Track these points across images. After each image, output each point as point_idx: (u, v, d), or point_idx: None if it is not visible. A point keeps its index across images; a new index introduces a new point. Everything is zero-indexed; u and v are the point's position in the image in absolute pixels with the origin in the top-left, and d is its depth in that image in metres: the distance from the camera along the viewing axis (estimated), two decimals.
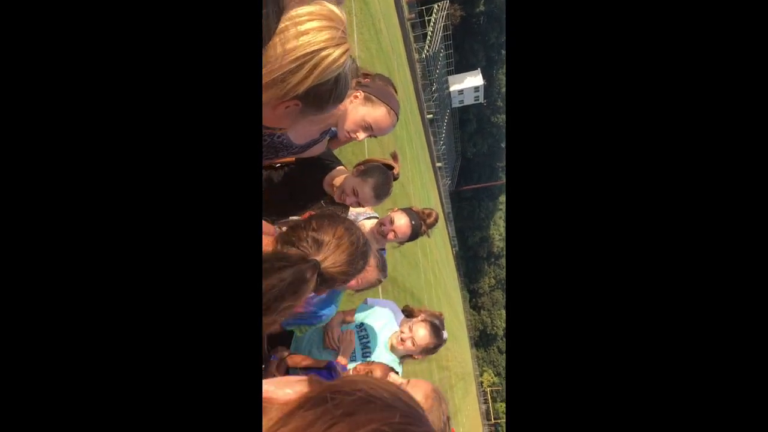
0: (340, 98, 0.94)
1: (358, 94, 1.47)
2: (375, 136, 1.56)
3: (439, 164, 40.06)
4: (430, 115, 35.44)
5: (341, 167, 1.93)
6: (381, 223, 2.00)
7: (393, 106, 1.50)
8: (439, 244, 25.62)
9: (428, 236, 2.12)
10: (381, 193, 1.77)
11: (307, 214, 1.14)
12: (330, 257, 0.99)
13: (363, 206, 1.83)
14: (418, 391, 1.11)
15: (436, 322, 2.42)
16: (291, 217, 2.04)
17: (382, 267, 1.91)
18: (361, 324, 2.16)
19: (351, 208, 2.02)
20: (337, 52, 0.84)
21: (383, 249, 2.14)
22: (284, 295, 0.84)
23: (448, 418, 1.12)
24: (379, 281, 1.96)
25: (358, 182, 1.74)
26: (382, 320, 2.20)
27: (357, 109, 1.46)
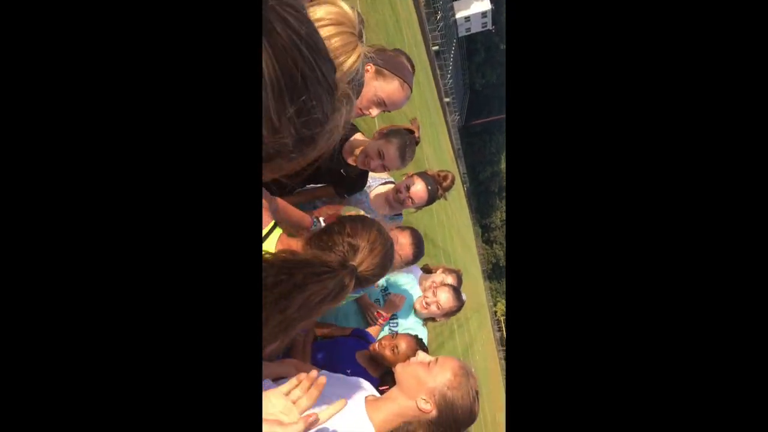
0: (356, 94, 0.90)
1: (368, 67, 1.40)
2: (389, 111, 1.51)
3: (447, 99, 38.78)
4: (436, 47, 33.73)
5: (359, 134, 1.89)
6: (397, 190, 1.99)
7: (406, 78, 1.43)
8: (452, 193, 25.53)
9: (445, 199, 2.11)
10: (406, 154, 1.74)
11: (335, 216, 1.14)
12: (365, 261, 1.02)
13: (388, 169, 1.80)
14: (447, 369, 1.16)
15: (456, 283, 2.49)
16: (308, 186, 2.03)
17: (418, 244, 1.92)
18: (386, 288, 2.22)
19: (370, 174, 2.00)
20: (351, 59, 0.80)
21: (399, 214, 2.14)
22: (325, 300, 0.88)
23: (477, 392, 1.18)
24: (417, 258, 1.99)
25: (383, 144, 1.70)
26: (405, 285, 2.27)
27: (369, 84, 1.40)
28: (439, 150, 21.73)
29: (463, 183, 47.85)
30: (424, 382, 1.14)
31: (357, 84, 0.87)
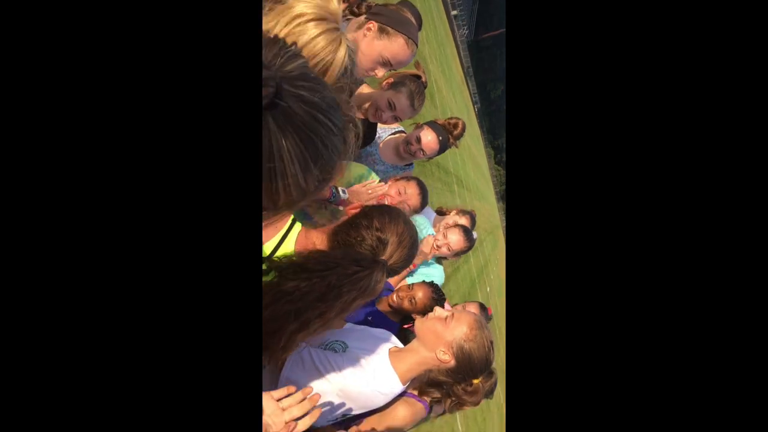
0: (350, 92, 0.91)
1: (370, 26, 1.34)
2: (395, 70, 1.47)
3: (454, 12, 36.19)
4: None
5: (364, 86, 1.85)
6: (408, 142, 1.98)
7: (411, 35, 1.38)
8: (461, 106, 24.66)
9: (456, 147, 2.10)
10: (416, 101, 1.72)
11: (358, 208, 1.14)
12: (395, 254, 1.04)
13: (400, 119, 1.79)
14: (463, 324, 1.25)
15: (467, 224, 2.54)
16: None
17: (424, 194, 1.95)
18: None
19: (379, 125, 1.98)
20: (339, 56, 0.80)
21: (410, 164, 2.15)
22: (360, 297, 0.92)
23: (492, 342, 1.28)
24: (423, 207, 2.03)
25: (392, 94, 1.68)
26: (420, 226, 2.33)
27: (372, 45, 1.35)
28: (449, 72, 20.72)
29: (474, 103, 46.13)
30: (442, 336, 1.24)
31: (349, 77, 0.87)
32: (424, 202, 2.03)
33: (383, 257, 1.03)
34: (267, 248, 1.11)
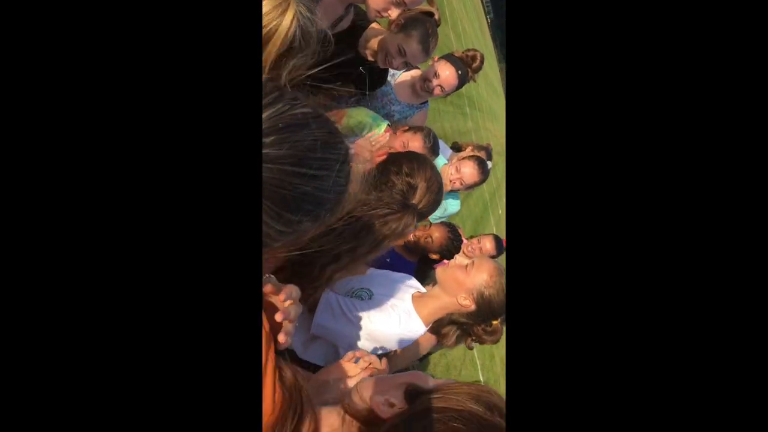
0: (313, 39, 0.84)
1: None
2: (409, 9, 1.36)
3: None
4: None
5: (374, 24, 1.73)
6: (425, 78, 1.89)
7: None
8: (472, 17, 22.97)
9: (474, 81, 2.01)
10: (430, 44, 1.62)
11: (385, 154, 1.14)
12: (424, 199, 1.06)
13: (413, 65, 1.70)
14: (483, 271, 1.30)
15: (483, 155, 2.50)
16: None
17: (432, 145, 1.89)
18: None
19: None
20: (284, 22, 0.74)
21: (425, 102, 2.07)
22: (391, 238, 0.96)
23: None
24: (433, 154, 1.98)
25: (402, 38, 1.57)
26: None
27: None
28: None
29: (486, 14, 42.91)
30: (463, 283, 1.29)
31: (313, 45, 0.81)
32: (433, 154, 1.96)
33: (413, 201, 1.06)
34: None
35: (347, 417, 0.62)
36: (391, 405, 0.59)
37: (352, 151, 0.59)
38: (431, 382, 0.61)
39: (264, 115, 0.52)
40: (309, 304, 1.28)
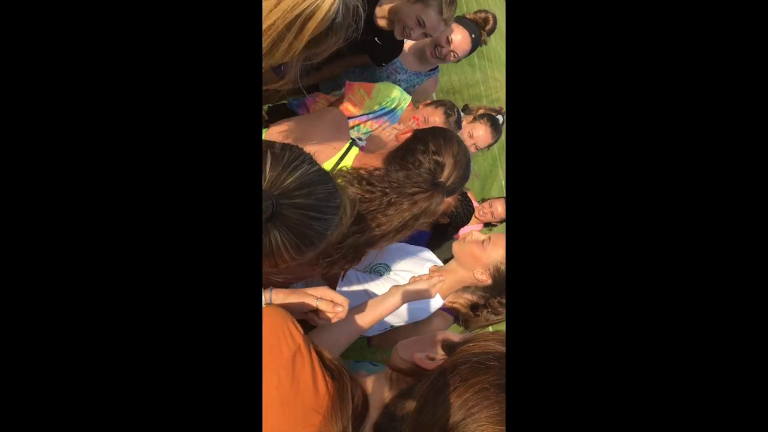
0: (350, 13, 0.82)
1: None
2: None
3: None
4: None
5: None
6: (437, 44, 1.83)
7: None
8: None
9: (485, 44, 1.94)
10: (449, 12, 1.56)
11: (410, 132, 1.11)
12: (452, 176, 1.05)
13: (431, 35, 1.64)
14: (499, 247, 1.31)
15: (496, 116, 2.44)
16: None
17: (457, 115, 1.85)
18: None
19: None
20: (325, 3, 0.72)
21: (435, 69, 2.01)
22: (421, 217, 0.97)
23: None
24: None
25: (420, 8, 1.52)
26: None
27: None
28: None
29: None
30: (479, 258, 1.32)
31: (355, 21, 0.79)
32: (457, 126, 1.93)
33: (441, 179, 1.05)
34: (327, 166, 1.15)
35: (394, 375, 0.70)
36: (432, 359, 0.66)
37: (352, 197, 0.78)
38: (458, 337, 0.68)
39: (297, 174, 0.67)
40: (328, 279, 1.32)
